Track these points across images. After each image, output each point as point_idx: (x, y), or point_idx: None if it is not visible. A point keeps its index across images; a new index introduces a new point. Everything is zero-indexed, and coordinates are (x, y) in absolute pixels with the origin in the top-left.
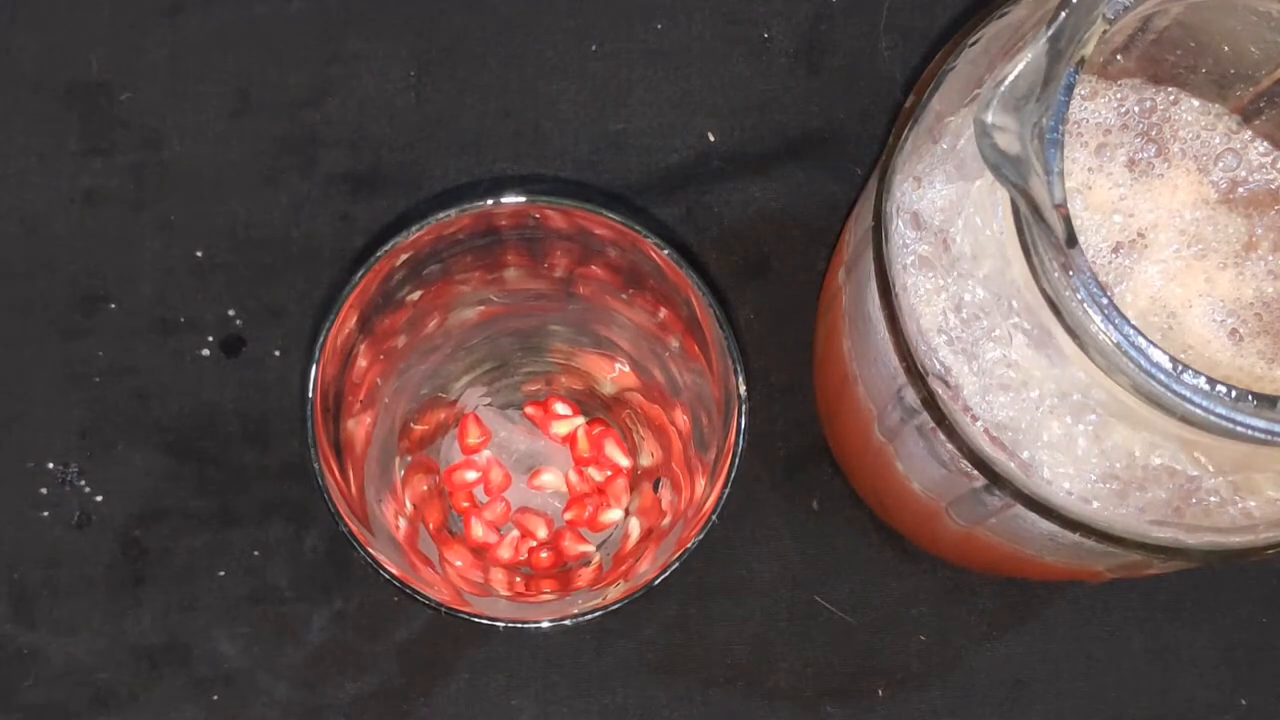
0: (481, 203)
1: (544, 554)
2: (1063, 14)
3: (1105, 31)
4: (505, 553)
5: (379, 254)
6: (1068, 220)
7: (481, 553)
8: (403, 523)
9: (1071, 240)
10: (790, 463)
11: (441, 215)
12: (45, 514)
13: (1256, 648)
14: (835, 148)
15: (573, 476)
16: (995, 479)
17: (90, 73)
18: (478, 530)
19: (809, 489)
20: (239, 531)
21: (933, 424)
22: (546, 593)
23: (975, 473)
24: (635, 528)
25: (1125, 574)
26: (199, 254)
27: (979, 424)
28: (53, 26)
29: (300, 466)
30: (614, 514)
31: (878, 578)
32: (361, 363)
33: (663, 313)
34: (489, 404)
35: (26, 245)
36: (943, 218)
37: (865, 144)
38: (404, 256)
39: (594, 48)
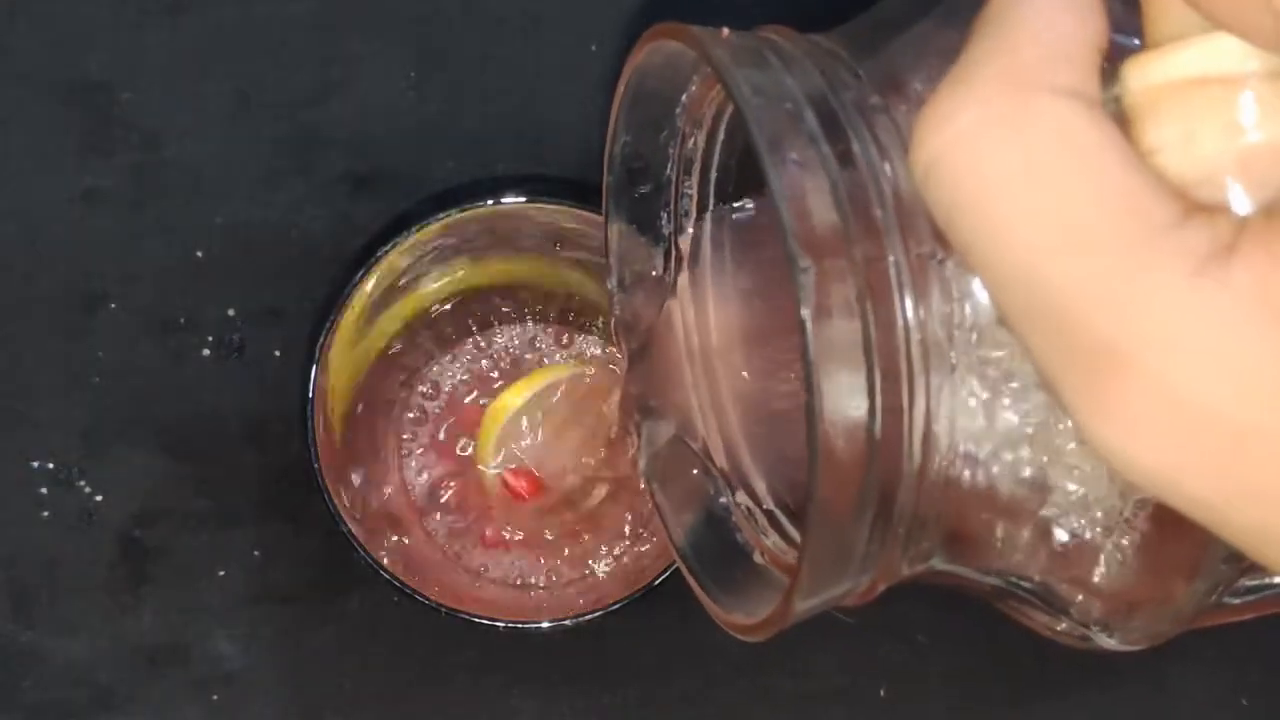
0: (481, 203)
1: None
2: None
3: None
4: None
5: (379, 254)
6: None
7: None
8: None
9: None
10: None
11: (442, 215)
12: (45, 514)
13: (1257, 648)
14: None
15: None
16: None
17: (90, 73)
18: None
19: None
20: (239, 531)
21: None
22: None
23: None
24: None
25: None
26: (199, 254)
27: None
28: (53, 26)
29: (300, 466)
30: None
31: None
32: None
33: None
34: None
35: (26, 245)
36: None
37: None
38: (405, 257)
39: (594, 48)
